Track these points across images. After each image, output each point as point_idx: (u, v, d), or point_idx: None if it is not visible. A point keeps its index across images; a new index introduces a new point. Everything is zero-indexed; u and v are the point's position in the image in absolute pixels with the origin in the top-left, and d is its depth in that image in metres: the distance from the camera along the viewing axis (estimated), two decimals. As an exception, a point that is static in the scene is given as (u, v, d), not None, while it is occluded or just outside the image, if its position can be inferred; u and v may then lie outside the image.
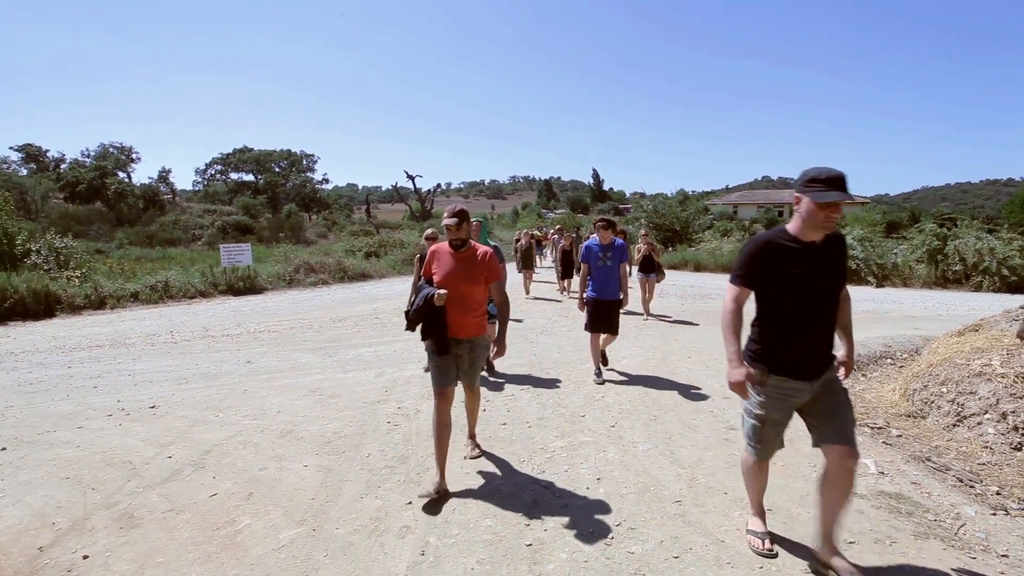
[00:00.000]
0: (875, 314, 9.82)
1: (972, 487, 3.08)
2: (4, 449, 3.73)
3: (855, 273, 15.68)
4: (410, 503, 2.89)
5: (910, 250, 16.71)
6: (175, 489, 3.12)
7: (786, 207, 44.57)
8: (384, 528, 2.66)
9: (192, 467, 3.41)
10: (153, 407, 4.62)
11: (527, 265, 12.17)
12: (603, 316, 5.06)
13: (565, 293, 12.03)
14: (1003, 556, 2.33)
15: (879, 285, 15.24)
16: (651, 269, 8.79)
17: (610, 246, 5.03)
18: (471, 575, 2.28)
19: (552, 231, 20.33)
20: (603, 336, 5.28)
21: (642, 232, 9.25)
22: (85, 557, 2.45)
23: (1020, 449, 3.42)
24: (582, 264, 5.15)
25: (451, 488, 3.04)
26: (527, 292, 11.84)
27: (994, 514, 2.73)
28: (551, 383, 5.17)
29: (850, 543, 2.44)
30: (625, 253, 5.12)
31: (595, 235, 5.23)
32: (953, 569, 2.24)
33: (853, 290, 14.95)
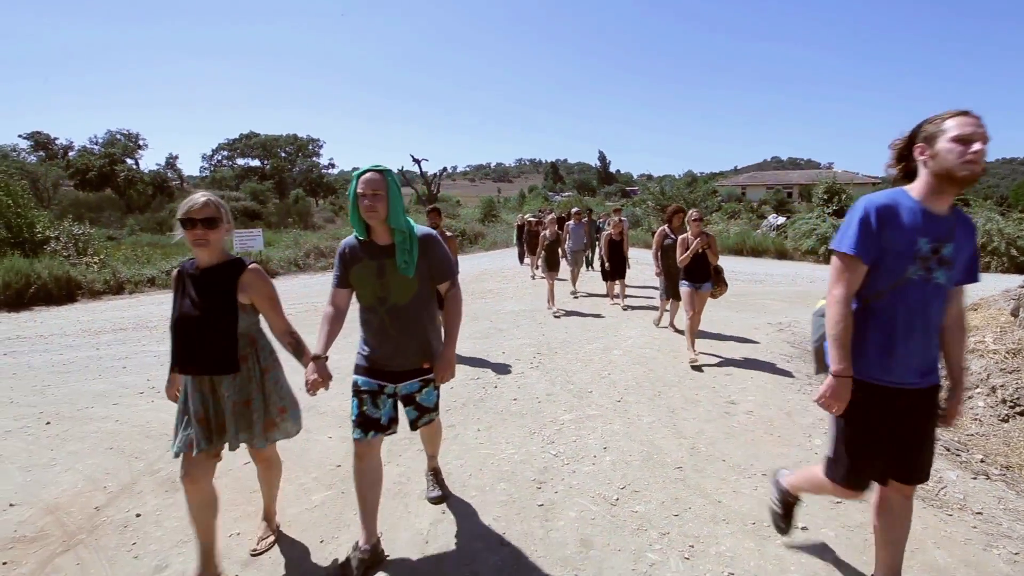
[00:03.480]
0: (880, 295, 9.91)
1: (958, 455, 3.26)
2: (49, 423, 4.01)
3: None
4: (429, 470, 3.12)
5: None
6: (211, 458, 3.37)
7: (795, 188, 44.15)
8: (407, 491, 2.89)
9: (225, 439, 3.66)
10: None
11: (552, 265, 8.30)
12: (897, 432, 1.82)
13: (618, 302, 8.50)
14: (977, 514, 2.53)
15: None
16: (703, 276, 5.27)
17: (953, 221, 1.75)
18: (489, 530, 2.51)
19: (563, 214, 19.33)
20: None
21: (693, 215, 5.34)
22: (138, 515, 2.71)
23: (1007, 421, 3.60)
24: (845, 260, 1.77)
25: (466, 459, 3.27)
26: (552, 302, 8.13)
27: (975, 478, 2.92)
28: (559, 361, 5.37)
29: (837, 503, 2.64)
30: (977, 253, 1.85)
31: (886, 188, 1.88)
32: (930, 525, 2.44)
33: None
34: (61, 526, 2.62)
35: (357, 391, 2.32)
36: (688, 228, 5.36)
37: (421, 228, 2.23)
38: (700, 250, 5.14)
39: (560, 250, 8.38)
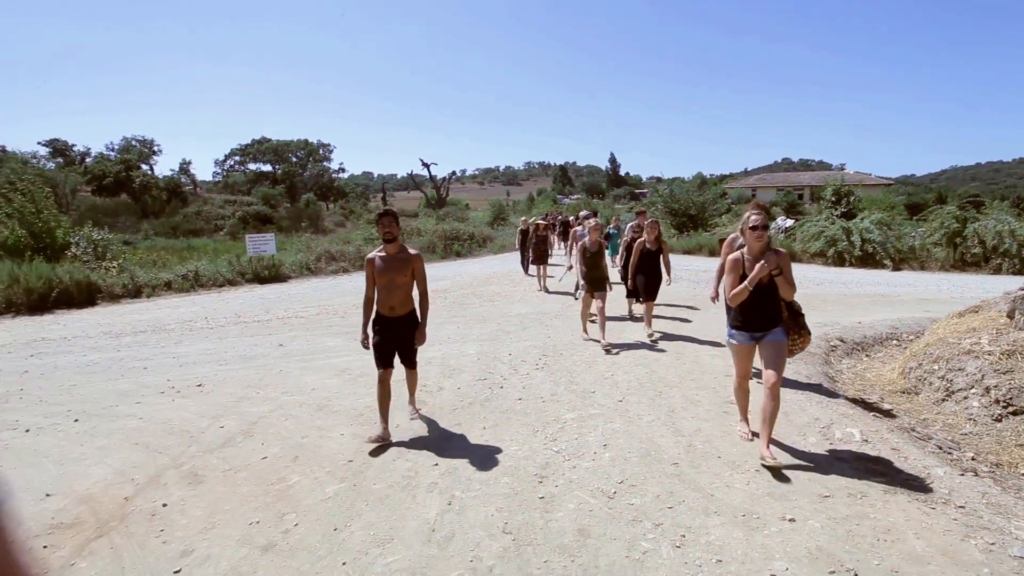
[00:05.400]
0: (886, 297, 9.92)
1: (950, 453, 3.35)
2: (77, 420, 4.22)
3: (871, 256, 15.63)
4: (436, 464, 3.28)
5: (928, 233, 16.57)
6: (230, 453, 3.56)
7: (806, 189, 43.89)
8: (415, 484, 3.05)
9: (242, 436, 3.85)
10: (200, 385, 5.09)
11: (598, 284, 6.18)
12: None
13: (652, 333, 6.41)
14: (960, 507, 2.63)
15: (895, 268, 15.18)
16: (768, 321, 3.27)
17: None
18: (492, 519, 2.65)
19: (572, 218, 18.83)
20: None
21: (752, 219, 3.23)
22: (164, 505, 2.89)
23: (1000, 420, 3.67)
24: None
25: (472, 455, 3.42)
26: (586, 331, 6.53)
27: (962, 475, 3.01)
28: (564, 363, 5.51)
29: (826, 496, 2.75)
30: None
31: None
32: (912, 517, 2.55)
33: (869, 273, 14.36)
34: (94, 514, 2.82)
35: None
36: (744, 240, 3.33)
37: None
38: (766, 278, 3.17)
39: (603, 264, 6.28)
